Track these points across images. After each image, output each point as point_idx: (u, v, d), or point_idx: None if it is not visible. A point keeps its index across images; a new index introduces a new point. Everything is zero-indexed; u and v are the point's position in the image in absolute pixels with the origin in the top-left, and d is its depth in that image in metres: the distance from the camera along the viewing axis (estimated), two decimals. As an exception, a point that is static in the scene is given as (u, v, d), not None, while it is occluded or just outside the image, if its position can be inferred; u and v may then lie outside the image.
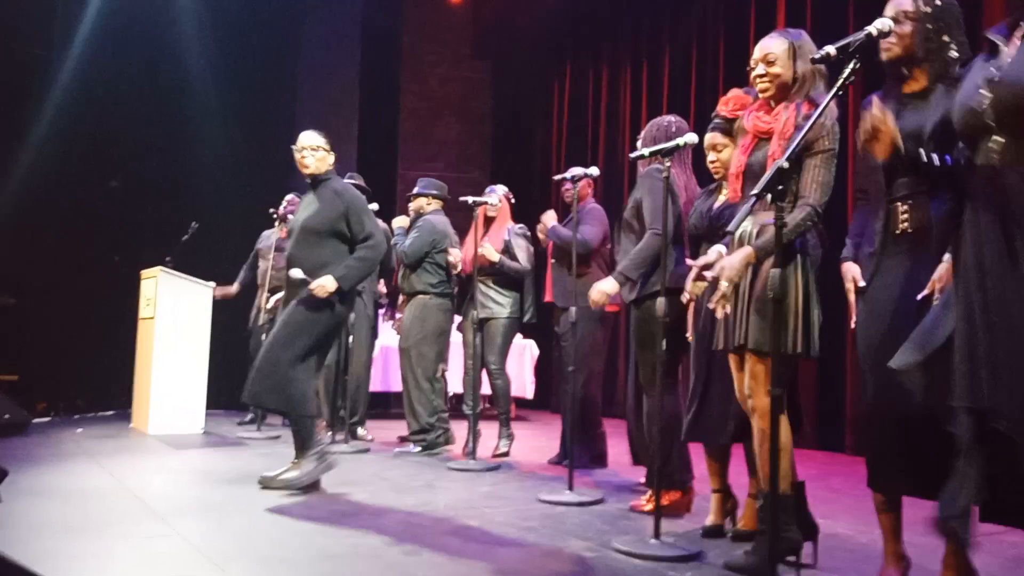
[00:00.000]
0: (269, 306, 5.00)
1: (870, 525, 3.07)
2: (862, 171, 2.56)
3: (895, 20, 2.28)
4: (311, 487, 3.72)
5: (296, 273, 3.79)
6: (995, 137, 1.89)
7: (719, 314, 2.53)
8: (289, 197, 6.44)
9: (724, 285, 2.43)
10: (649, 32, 7.96)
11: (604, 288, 3.60)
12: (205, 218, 6.56)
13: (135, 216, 7.31)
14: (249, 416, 6.28)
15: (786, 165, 1.89)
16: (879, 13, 2.32)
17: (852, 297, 2.51)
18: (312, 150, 3.90)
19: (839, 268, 2.60)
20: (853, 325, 2.45)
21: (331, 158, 3.99)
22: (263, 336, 6.01)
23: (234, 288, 6.44)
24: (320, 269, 3.76)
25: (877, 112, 2.01)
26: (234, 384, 6.70)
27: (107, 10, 7.26)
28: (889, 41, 2.31)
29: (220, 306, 6.19)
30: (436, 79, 9.58)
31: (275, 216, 6.23)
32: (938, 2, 2.30)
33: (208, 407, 6.00)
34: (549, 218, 4.82)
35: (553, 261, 4.86)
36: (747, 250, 2.50)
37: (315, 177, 3.93)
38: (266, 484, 3.74)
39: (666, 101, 7.58)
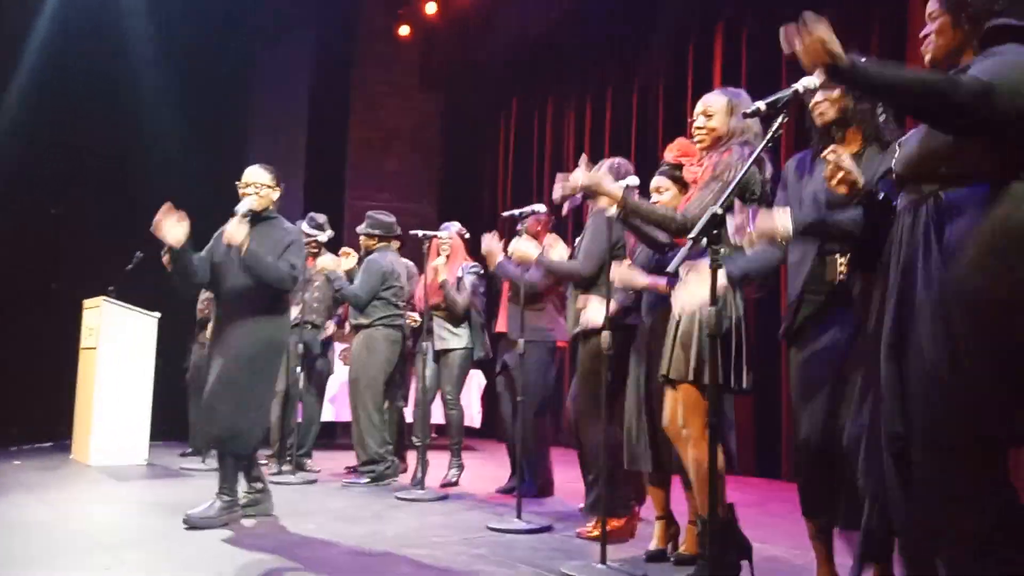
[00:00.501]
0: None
1: (805, 548, 3.21)
2: None
3: (823, 86, 2.46)
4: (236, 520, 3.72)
5: (242, 207, 3.73)
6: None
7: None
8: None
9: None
10: (593, 74, 8.18)
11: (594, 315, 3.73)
12: (149, 248, 6.50)
13: (77, 244, 7.22)
14: (189, 449, 6.22)
15: (720, 211, 2.03)
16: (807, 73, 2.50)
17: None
18: (256, 188, 3.86)
19: (772, 307, 2.76)
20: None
21: (276, 194, 3.94)
22: (202, 367, 6.00)
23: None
24: (253, 309, 3.72)
25: (834, 157, 2.16)
26: (177, 415, 6.68)
27: (55, 32, 7.22)
28: (822, 106, 2.49)
29: (163, 336, 6.13)
30: (386, 110, 9.68)
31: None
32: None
33: (151, 438, 5.92)
34: (495, 249, 4.83)
35: (509, 294, 4.94)
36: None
37: (258, 214, 3.85)
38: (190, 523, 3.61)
39: (608, 141, 7.79)
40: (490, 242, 4.35)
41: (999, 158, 1.78)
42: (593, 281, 3.65)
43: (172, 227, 3.66)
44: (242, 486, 3.83)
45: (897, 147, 2.05)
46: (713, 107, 2.87)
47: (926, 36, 2.00)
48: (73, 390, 6.26)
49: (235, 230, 3.64)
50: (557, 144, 8.63)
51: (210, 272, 3.84)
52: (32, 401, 6.84)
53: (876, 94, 1.86)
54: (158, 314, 6.09)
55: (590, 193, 2.88)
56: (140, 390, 5.89)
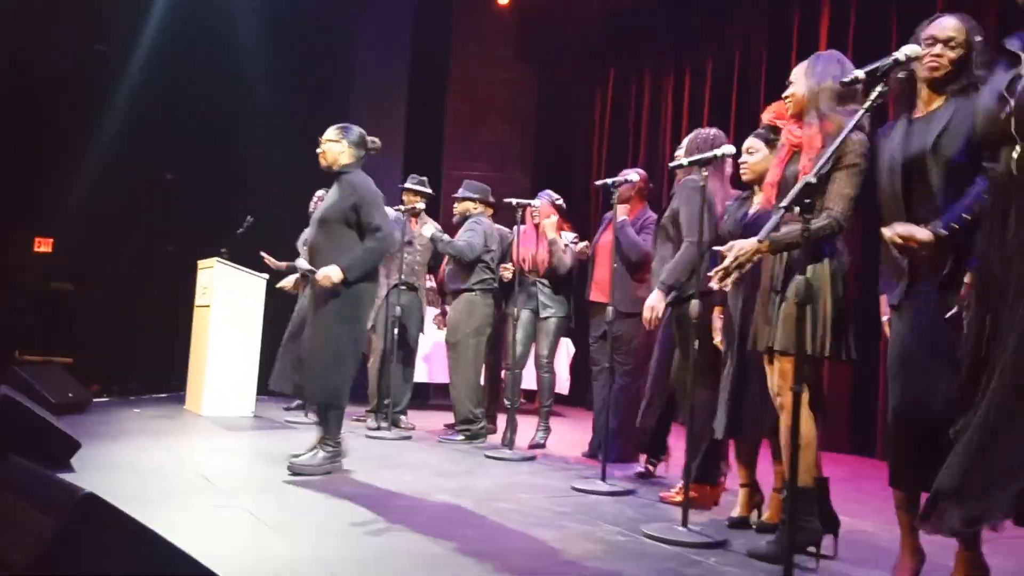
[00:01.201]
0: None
1: (892, 524, 3.19)
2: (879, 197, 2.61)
3: (946, 42, 2.40)
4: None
5: (301, 264, 3.96)
6: (1017, 147, 1.94)
7: (713, 284, 2.62)
8: (319, 193, 6.67)
9: (729, 260, 2.56)
10: (691, 39, 8.05)
11: (653, 303, 3.77)
12: (259, 212, 6.85)
13: (192, 208, 7.64)
14: (296, 402, 6.54)
15: (813, 180, 2.05)
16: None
17: (886, 328, 2.59)
18: (326, 144, 4.05)
19: (878, 282, 2.71)
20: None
21: (350, 151, 4.05)
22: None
23: (282, 265, 6.69)
24: (337, 257, 3.89)
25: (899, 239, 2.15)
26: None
27: (171, 9, 7.60)
28: (939, 60, 2.41)
29: (271, 297, 6.46)
30: (482, 81, 9.78)
31: (311, 213, 6.47)
32: (980, 36, 2.42)
33: (258, 392, 6.28)
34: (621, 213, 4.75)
35: (614, 264, 4.95)
36: (763, 239, 2.61)
37: (331, 169, 4.05)
38: (294, 470, 3.85)
39: (707, 108, 7.68)
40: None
41: None
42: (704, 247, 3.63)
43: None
44: (314, 437, 4.03)
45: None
46: (795, 74, 2.87)
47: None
48: (187, 345, 6.67)
49: (323, 280, 3.84)
50: (654, 112, 8.56)
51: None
52: (149, 355, 7.34)
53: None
54: (267, 275, 6.41)
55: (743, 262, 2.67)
56: (249, 346, 6.23)
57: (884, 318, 2.63)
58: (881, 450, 5.84)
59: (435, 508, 3.33)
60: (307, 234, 6.39)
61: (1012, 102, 1.87)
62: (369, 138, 4.18)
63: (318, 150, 4.09)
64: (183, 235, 7.52)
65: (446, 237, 5.45)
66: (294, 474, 3.79)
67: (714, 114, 7.55)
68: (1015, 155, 1.89)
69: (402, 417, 5.87)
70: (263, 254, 6.64)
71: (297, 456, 3.89)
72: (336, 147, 4.05)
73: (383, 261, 4.23)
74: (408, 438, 5.44)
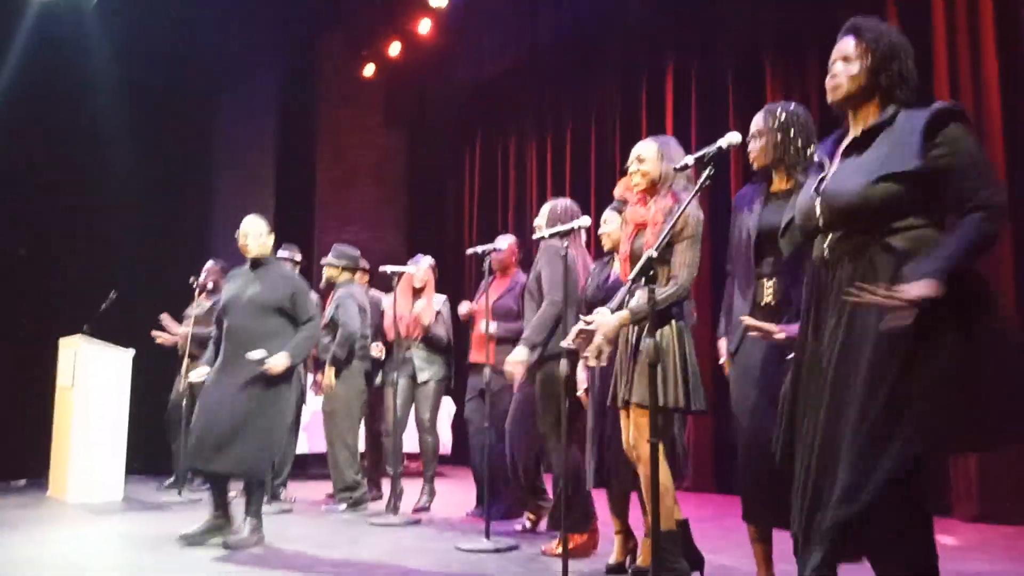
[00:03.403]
0: (191, 376, 5.24)
1: (752, 558, 3.49)
2: (729, 254, 3.00)
3: (755, 136, 2.80)
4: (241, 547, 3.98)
5: (256, 354, 4.09)
6: (829, 235, 2.18)
7: (591, 363, 2.92)
8: (208, 265, 6.63)
9: (599, 339, 2.85)
10: (551, 110, 8.52)
11: (517, 358, 3.97)
12: (122, 287, 6.67)
13: (52, 284, 7.33)
14: (169, 481, 6.35)
15: (655, 254, 2.31)
16: (754, 109, 2.86)
17: (727, 370, 2.92)
18: (256, 236, 4.32)
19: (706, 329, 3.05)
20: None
21: (271, 240, 4.39)
22: (183, 402, 6.16)
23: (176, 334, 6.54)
24: (265, 341, 4.14)
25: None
26: (151, 448, 6.81)
27: (22, 73, 7.35)
28: (754, 153, 2.83)
29: (137, 371, 6.27)
30: (351, 147, 9.92)
31: (195, 285, 6.40)
32: (782, 116, 2.81)
33: (129, 472, 6.04)
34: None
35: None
36: (623, 313, 2.92)
37: (256, 260, 4.34)
38: (191, 542, 4.02)
39: (568, 174, 8.12)
40: (464, 308, 5.03)
41: (934, 208, 2.06)
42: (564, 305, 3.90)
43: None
44: (209, 512, 4.22)
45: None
46: (645, 154, 3.16)
47: (834, 77, 2.20)
48: (49, 427, 6.36)
49: (272, 367, 4.07)
50: (521, 176, 8.93)
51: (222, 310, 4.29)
52: (6, 439, 6.91)
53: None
54: (132, 350, 6.23)
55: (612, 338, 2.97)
56: (116, 426, 6.00)
57: (722, 360, 2.94)
58: (744, 488, 6.25)
59: (322, 579, 3.36)
60: (197, 311, 6.31)
61: (818, 199, 2.20)
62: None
63: (241, 242, 4.31)
64: (41, 312, 7.19)
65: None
66: (227, 548, 3.94)
67: (575, 178, 8.00)
68: (825, 244, 2.21)
69: (282, 489, 5.80)
70: (163, 317, 6.46)
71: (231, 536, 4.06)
72: (266, 239, 4.34)
73: None
74: (289, 511, 5.38)
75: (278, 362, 4.08)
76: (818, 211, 2.17)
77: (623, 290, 2.48)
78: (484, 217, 9.27)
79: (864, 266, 2.07)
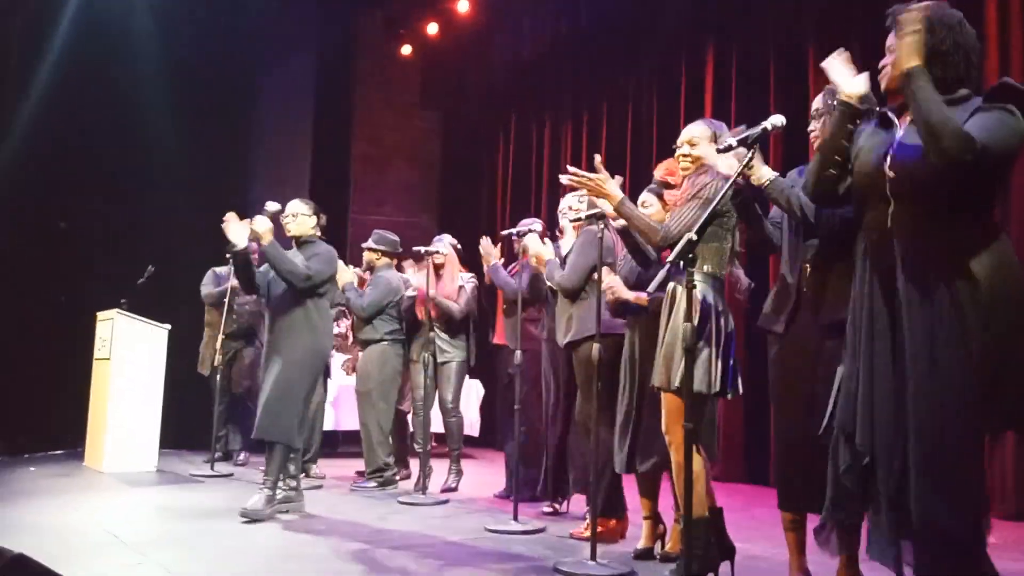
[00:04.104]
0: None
1: (784, 548, 3.45)
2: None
3: (812, 117, 2.72)
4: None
5: (271, 206, 4.34)
6: (892, 205, 2.13)
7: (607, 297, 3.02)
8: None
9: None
10: (588, 92, 8.43)
11: (540, 249, 4.09)
12: (160, 262, 6.75)
13: (90, 258, 7.45)
14: (219, 453, 6.47)
15: (695, 237, 2.27)
16: (796, 99, 2.79)
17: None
18: (293, 216, 4.41)
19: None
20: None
21: (312, 221, 4.46)
22: (217, 377, 6.24)
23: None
24: (295, 319, 4.24)
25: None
26: (185, 423, 6.91)
27: (66, 54, 7.45)
28: (814, 135, 2.74)
29: (173, 347, 6.35)
30: (387, 127, 9.93)
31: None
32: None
33: (162, 446, 6.14)
34: (492, 251, 5.01)
35: (504, 307, 5.20)
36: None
37: (298, 239, 4.43)
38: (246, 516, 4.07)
39: (604, 157, 8.03)
40: (487, 244, 4.88)
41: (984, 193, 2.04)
42: (577, 294, 3.90)
43: (236, 229, 4.29)
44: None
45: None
46: (697, 137, 3.12)
47: (883, 66, 2.21)
48: (86, 399, 6.47)
49: (258, 222, 4.19)
50: (555, 160, 8.86)
51: (265, 287, 4.42)
52: (44, 410, 7.04)
53: (912, 102, 2.04)
54: (168, 326, 6.31)
55: (594, 191, 3.13)
56: (150, 399, 6.11)
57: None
58: (774, 477, 6.19)
59: (352, 555, 3.38)
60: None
61: (887, 164, 2.13)
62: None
63: (284, 222, 4.40)
64: (80, 286, 7.30)
65: (354, 292, 5.51)
66: (244, 517, 4.00)
67: (610, 163, 7.90)
68: (890, 211, 2.15)
69: (312, 466, 5.85)
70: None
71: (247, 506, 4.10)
72: (303, 220, 4.42)
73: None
74: (319, 487, 5.43)
75: (260, 223, 4.16)
76: (889, 175, 2.10)
77: (661, 272, 2.44)
78: (518, 199, 9.23)
79: (927, 244, 2.04)
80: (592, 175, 3.11)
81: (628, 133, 7.81)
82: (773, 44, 6.41)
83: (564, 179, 3.24)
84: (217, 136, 7.99)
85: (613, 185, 3.10)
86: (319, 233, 4.53)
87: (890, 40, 2.18)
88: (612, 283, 3.49)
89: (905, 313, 2.07)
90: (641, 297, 3.41)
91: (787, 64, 6.22)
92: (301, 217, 4.43)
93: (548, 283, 4.16)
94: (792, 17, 6.27)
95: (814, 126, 2.74)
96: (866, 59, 2.24)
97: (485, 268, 4.98)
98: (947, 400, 1.95)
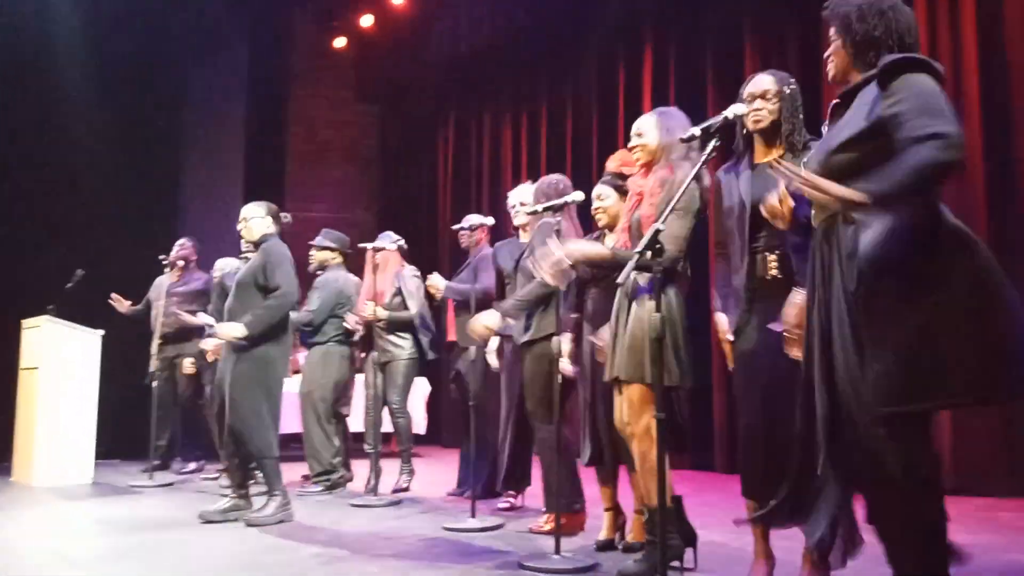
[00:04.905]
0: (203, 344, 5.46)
1: (740, 533, 3.50)
2: (719, 231, 2.95)
3: (763, 97, 2.72)
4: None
5: (204, 317, 4.13)
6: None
7: (544, 269, 3.04)
8: (181, 242, 6.51)
9: (560, 253, 2.99)
10: (527, 88, 8.43)
11: (485, 321, 3.91)
12: (90, 264, 6.48)
13: (14, 262, 7.10)
14: (191, 466, 6.41)
15: (662, 227, 2.27)
16: (733, 93, 2.78)
17: (727, 346, 2.85)
18: (244, 221, 4.37)
19: (708, 312, 3.00)
20: (731, 367, 2.84)
21: (265, 222, 4.36)
22: (155, 383, 6.03)
23: (127, 307, 6.44)
24: (244, 317, 4.15)
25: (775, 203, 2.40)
26: (123, 432, 6.65)
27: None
28: (760, 114, 2.72)
29: (108, 353, 6.11)
30: (322, 122, 9.76)
31: (165, 263, 6.24)
32: (793, 85, 2.77)
33: (97, 457, 5.90)
34: (438, 280, 4.99)
35: (456, 305, 5.15)
36: (600, 247, 3.02)
37: (255, 243, 4.37)
38: (249, 522, 4.08)
39: (544, 153, 8.05)
40: (434, 278, 4.88)
41: None
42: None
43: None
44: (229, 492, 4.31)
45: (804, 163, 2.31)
46: (644, 128, 3.13)
47: (827, 58, 2.26)
48: (11, 411, 6.18)
49: (222, 334, 4.18)
50: (495, 154, 8.84)
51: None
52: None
53: (897, 201, 1.97)
54: (101, 331, 6.06)
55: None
56: (84, 409, 5.86)
57: (728, 337, 2.89)
58: (720, 463, 6.31)
59: (313, 560, 3.30)
60: (161, 284, 6.23)
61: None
62: (282, 214, 4.51)
63: (240, 227, 4.35)
64: (2, 292, 6.96)
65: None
66: (250, 526, 4.01)
67: (551, 157, 7.93)
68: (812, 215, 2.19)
69: (258, 473, 5.69)
70: (113, 297, 6.32)
71: (253, 514, 4.15)
72: (258, 221, 4.32)
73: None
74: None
75: (227, 330, 4.10)
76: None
77: (630, 263, 2.43)
78: (459, 193, 9.18)
79: (834, 239, 2.07)
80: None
81: (568, 128, 7.84)
82: (711, 39, 6.51)
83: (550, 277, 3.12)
84: (147, 133, 7.73)
85: (573, 248, 3.06)
86: (274, 231, 4.39)
87: (830, 31, 2.22)
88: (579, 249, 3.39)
89: (831, 295, 2.10)
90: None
91: (725, 59, 6.33)
92: (253, 221, 4.34)
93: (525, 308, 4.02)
94: (729, 11, 6.38)
95: (760, 106, 2.74)
96: (803, 51, 2.28)
97: (435, 294, 4.98)
98: (875, 380, 1.96)
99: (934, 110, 1.94)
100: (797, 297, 2.47)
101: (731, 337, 2.78)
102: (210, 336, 4.48)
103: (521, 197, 4.30)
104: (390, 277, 5.40)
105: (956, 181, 4.60)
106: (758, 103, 2.73)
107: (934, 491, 1.99)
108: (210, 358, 5.55)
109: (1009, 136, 4.94)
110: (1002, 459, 4.86)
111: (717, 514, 4.33)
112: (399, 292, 5.38)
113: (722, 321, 2.84)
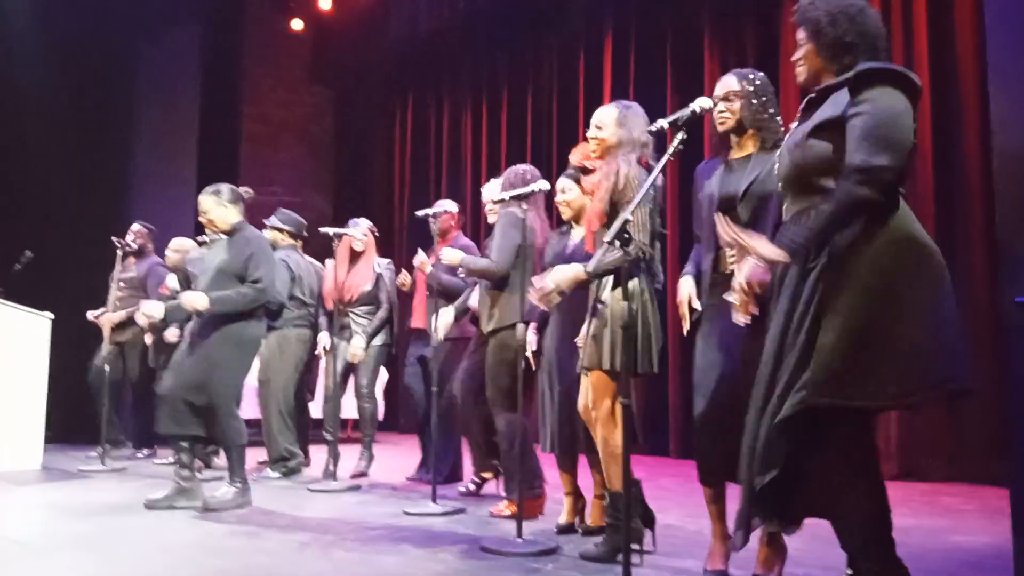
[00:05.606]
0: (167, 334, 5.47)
1: (695, 516, 3.61)
2: (695, 219, 3.00)
3: (726, 99, 2.78)
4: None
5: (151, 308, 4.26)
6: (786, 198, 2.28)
7: (535, 299, 3.06)
8: (135, 228, 6.38)
9: (550, 284, 2.99)
10: (488, 74, 8.41)
11: (447, 320, 3.93)
12: (38, 246, 6.31)
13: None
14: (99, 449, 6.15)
15: (631, 217, 2.32)
16: (693, 84, 2.84)
17: (684, 309, 2.86)
18: (208, 212, 4.21)
19: (666, 302, 3.05)
20: (686, 332, 2.90)
21: (232, 209, 4.23)
22: (106, 367, 5.93)
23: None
24: (213, 318, 4.09)
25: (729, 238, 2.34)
26: (72, 416, 6.52)
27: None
28: (724, 115, 2.79)
29: (57, 336, 5.97)
30: (276, 104, 9.62)
31: (119, 246, 6.10)
32: (757, 81, 2.82)
33: (46, 441, 5.78)
34: (452, 253, 4.96)
35: (428, 293, 5.09)
36: (579, 267, 2.98)
37: (227, 232, 4.26)
38: (207, 506, 4.03)
39: (504, 141, 8.05)
40: (421, 257, 4.77)
41: None
42: (506, 279, 3.88)
43: (148, 309, 4.43)
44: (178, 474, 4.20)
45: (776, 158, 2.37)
46: (603, 120, 3.14)
47: (797, 61, 2.31)
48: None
49: (185, 302, 4.08)
50: (454, 139, 8.81)
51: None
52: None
53: (820, 244, 2.05)
54: (51, 314, 5.92)
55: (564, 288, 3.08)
56: (33, 393, 5.73)
57: (687, 301, 2.91)
58: (674, 449, 6.44)
59: (274, 545, 3.29)
60: (123, 275, 6.10)
61: (776, 163, 2.23)
62: (241, 189, 4.35)
63: (203, 220, 4.23)
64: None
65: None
66: (207, 510, 3.96)
67: (511, 144, 7.94)
68: (783, 207, 2.25)
69: (215, 458, 5.65)
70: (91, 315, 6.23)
71: (211, 496, 4.07)
72: (222, 211, 4.19)
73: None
74: (222, 478, 5.23)
75: (191, 299, 4.04)
76: (776, 174, 2.22)
77: (598, 253, 2.48)
78: (416, 178, 9.14)
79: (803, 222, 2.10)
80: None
81: (528, 114, 7.86)
82: (671, 27, 6.57)
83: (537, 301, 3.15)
84: (97, 112, 7.53)
85: (558, 277, 3.07)
86: (243, 217, 4.28)
87: (799, 35, 2.27)
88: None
89: (782, 289, 2.17)
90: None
91: (684, 47, 6.39)
92: (216, 213, 4.20)
93: (470, 275, 4.09)
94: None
95: (724, 107, 2.80)
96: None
97: (424, 274, 4.91)
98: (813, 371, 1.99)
99: (879, 136, 1.97)
100: (751, 260, 2.52)
101: (697, 305, 2.82)
102: (171, 304, 4.33)
103: (493, 194, 4.29)
104: (370, 266, 5.38)
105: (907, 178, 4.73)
106: (721, 105, 2.80)
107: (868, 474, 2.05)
108: (144, 323, 5.56)
109: (958, 133, 5.11)
110: (945, 446, 5.05)
111: (673, 497, 4.44)
112: (378, 280, 5.36)
113: (685, 285, 2.89)
